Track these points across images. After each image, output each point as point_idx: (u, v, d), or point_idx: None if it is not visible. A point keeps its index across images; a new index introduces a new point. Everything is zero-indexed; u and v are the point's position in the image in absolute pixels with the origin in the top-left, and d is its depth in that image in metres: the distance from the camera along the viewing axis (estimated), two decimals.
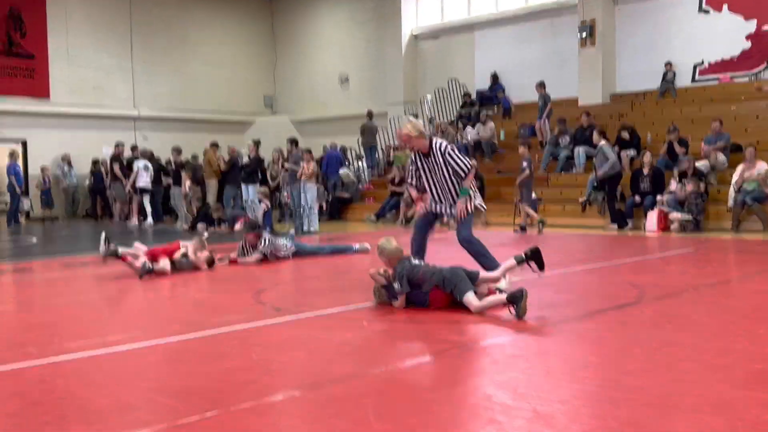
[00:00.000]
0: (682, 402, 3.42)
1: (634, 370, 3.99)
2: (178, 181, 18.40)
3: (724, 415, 3.23)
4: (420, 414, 3.36)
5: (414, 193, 6.90)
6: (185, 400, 3.61)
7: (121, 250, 8.28)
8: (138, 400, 3.67)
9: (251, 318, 5.69)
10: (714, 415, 3.23)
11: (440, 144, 6.55)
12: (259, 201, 15.37)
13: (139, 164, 18.90)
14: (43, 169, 21.31)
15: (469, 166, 6.54)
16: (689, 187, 13.01)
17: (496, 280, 6.10)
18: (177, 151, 19.20)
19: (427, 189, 6.70)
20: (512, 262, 6.07)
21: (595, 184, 14.35)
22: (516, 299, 5.38)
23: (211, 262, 8.76)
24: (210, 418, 3.35)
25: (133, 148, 20.64)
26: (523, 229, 13.70)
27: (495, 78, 21.84)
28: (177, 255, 8.57)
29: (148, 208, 18.95)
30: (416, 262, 6.04)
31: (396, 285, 5.76)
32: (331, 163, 19.53)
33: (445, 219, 6.91)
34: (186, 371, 4.18)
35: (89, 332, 5.35)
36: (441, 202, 6.71)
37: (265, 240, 9.34)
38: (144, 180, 18.73)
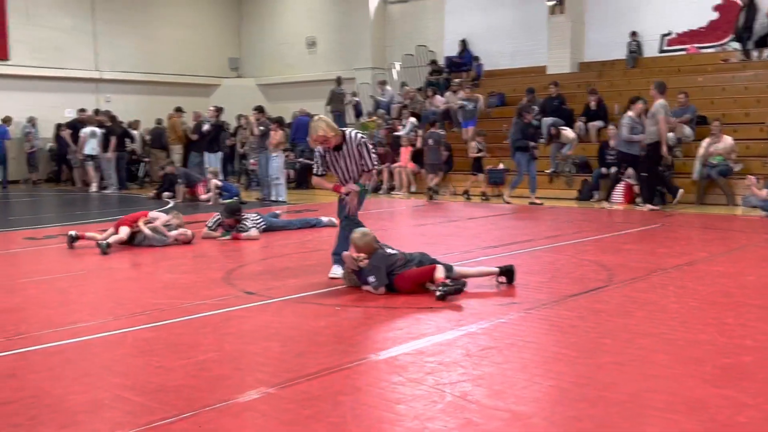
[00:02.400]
0: (654, 400, 3.47)
1: (606, 364, 4.04)
2: (108, 147, 18.21)
3: (696, 415, 3.28)
4: (396, 414, 3.36)
5: (325, 184, 6.76)
6: (158, 399, 3.58)
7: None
8: (110, 398, 3.62)
9: (222, 303, 5.65)
10: (686, 415, 3.28)
11: (355, 135, 6.51)
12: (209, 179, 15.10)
13: (86, 131, 18.46)
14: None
15: (374, 164, 6.61)
16: None
17: (471, 275, 6.20)
18: (109, 116, 18.78)
19: (334, 173, 6.67)
20: (495, 269, 6.25)
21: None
22: (509, 274, 6.11)
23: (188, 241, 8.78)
24: (185, 418, 3.32)
25: (96, 112, 20.21)
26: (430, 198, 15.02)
27: (464, 44, 21.71)
28: (140, 224, 8.54)
29: (92, 174, 18.58)
30: (391, 251, 6.04)
31: (371, 278, 5.76)
32: (299, 129, 19.31)
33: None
34: (158, 365, 4.13)
35: (57, 319, 5.26)
36: (346, 182, 6.72)
37: (244, 225, 9.26)
38: (90, 147, 18.30)
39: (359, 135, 6.56)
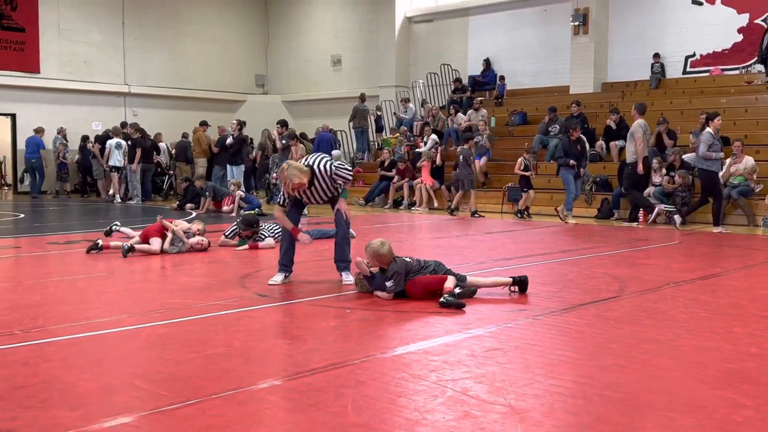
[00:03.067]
0: (653, 399, 3.50)
1: (609, 366, 4.07)
2: (133, 159, 18.47)
3: (693, 414, 3.31)
4: (396, 406, 3.43)
5: (287, 222, 6.67)
6: (167, 387, 3.67)
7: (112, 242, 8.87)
8: (121, 385, 3.72)
9: (235, 304, 5.75)
10: (684, 413, 3.31)
11: (324, 168, 6.46)
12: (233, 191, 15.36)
13: (111, 142, 18.81)
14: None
15: (351, 175, 6.79)
16: (678, 179, 13.12)
17: (484, 285, 6.24)
18: (136, 128, 19.09)
19: (309, 201, 6.75)
20: (508, 279, 6.27)
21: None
22: (522, 284, 6.14)
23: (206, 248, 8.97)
24: (191, 405, 3.41)
25: (123, 125, 20.58)
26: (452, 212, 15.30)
27: (488, 64, 21.84)
28: (171, 225, 8.79)
29: (114, 186, 18.90)
30: (407, 258, 6.11)
31: (389, 283, 5.85)
32: (322, 145, 19.48)
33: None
34: (169, 357, 4.23)
35: (74, 315, 5.39)
36: (313, 199, 6.74)
37: (261, 236, 9.43)
38: (115, 158, 18.65)
39: (328, 164, 6.49)
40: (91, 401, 3.49)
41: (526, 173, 14.98)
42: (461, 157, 15.44)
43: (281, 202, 6.68)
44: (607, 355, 4.31)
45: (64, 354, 4.35)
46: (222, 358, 4.21)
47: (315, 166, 6.47)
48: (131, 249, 8.32)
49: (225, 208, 15.15)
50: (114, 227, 9.45)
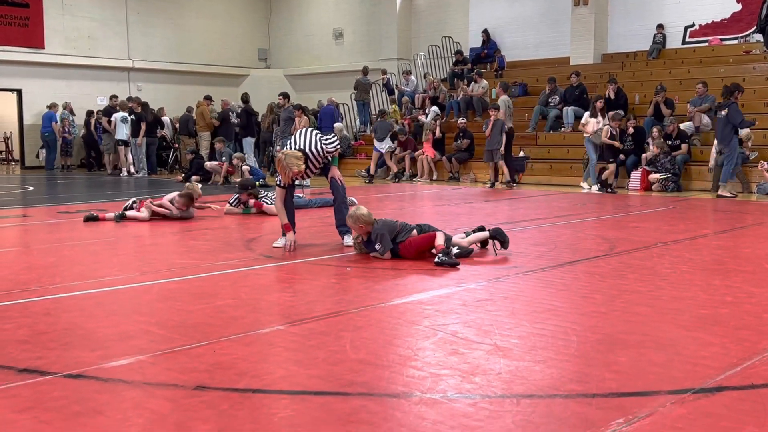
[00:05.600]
0: (628, 339, 3.79)
1: (590, 313, 4.37)
2: (137, 133, 18.68)
3: (664, 350, 3.60)
4: (392, 346, 3.73)
5: (283, 216, 6.86)
6: (179, 332, 3.97)
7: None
8: (136, 331, 4.02)
9: (241, 263, 6.05)
10: (655, 350, 3.60)
11: (315, 150, 6.75)
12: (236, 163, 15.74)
13: (117, 116, 19.02)
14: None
15: (340, 146, 7.32)
16: (653, 148, 13.45)
17: (464, 244, 6.47)
18: (138, 102, 19.28)
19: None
20: (485, 234, 6.54)
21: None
22: (500, 234, 6.34)
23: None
24: (202, 346, 3.71)
25: (129, 99, 20.79)
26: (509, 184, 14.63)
27: (487, 35, 21.95)
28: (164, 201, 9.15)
29: (129, 159, 19.15)
30: (390, 220, 6.38)
31: (378, 246, 6.13)
32: (325, 118, 19.72)
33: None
34: (180, 308, 4.53)
35: (89, 273, 5.69)
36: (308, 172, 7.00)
37: (265, 199, 9.76)
38: (122, 132, 18.87)
39: (319, 145, 6.79)
40: (109, 344, 3.79)
41: (614, 142, 13.69)
42: (491, 126, 14.63)
43: (282, 184, 6.81)
44: (589, 304, 4.60)
45: (82, 306, 4.66)
46: (230, 309, 4.51)
47: (307, 149, 6.75)
48: (123, 216, 8.72)
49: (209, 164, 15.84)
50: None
